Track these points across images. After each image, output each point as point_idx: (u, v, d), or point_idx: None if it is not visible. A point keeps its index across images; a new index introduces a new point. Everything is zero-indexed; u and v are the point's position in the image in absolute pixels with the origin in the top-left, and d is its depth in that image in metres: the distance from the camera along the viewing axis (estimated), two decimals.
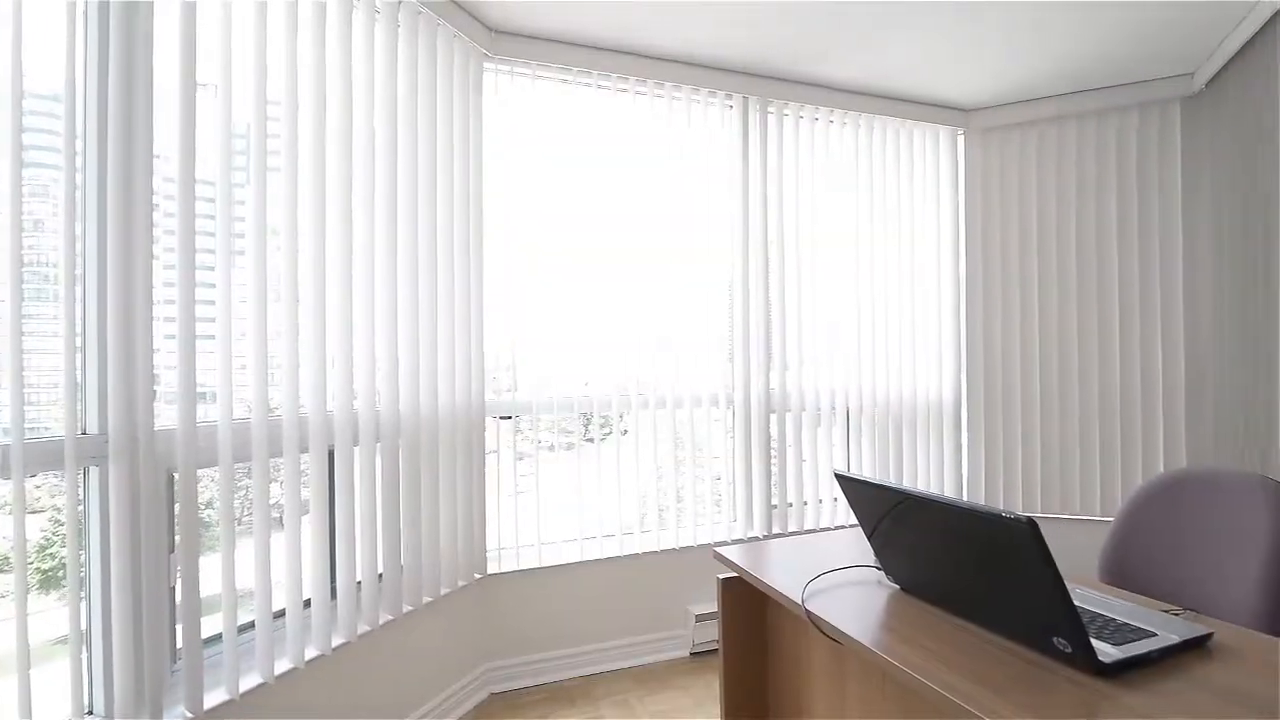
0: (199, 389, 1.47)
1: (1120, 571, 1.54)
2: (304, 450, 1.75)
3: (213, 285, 1.52)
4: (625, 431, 2.74)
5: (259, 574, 1.60)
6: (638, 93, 2.70)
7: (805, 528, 2.98)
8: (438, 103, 2.20)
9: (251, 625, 1.61)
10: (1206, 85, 2.79)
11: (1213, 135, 2.79)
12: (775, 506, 2.94)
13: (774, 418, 2.93)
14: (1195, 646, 1.01)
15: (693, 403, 2.78)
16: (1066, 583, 0.93)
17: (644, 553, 2.66)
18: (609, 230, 2.65)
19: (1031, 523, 0.89)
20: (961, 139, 3.29)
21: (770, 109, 2.92)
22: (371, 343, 1.95)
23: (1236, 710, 0.83)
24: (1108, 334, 3.06)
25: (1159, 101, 2.96)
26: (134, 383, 1.34)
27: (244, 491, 1.69)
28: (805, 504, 3.00)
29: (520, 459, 2.56)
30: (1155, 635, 1.01)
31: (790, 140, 2.97)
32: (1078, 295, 3.10)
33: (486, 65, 2.46)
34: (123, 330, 1.33)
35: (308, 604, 1.76)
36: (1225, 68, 2.65)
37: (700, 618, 2.69)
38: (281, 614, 1.70)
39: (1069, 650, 0.94)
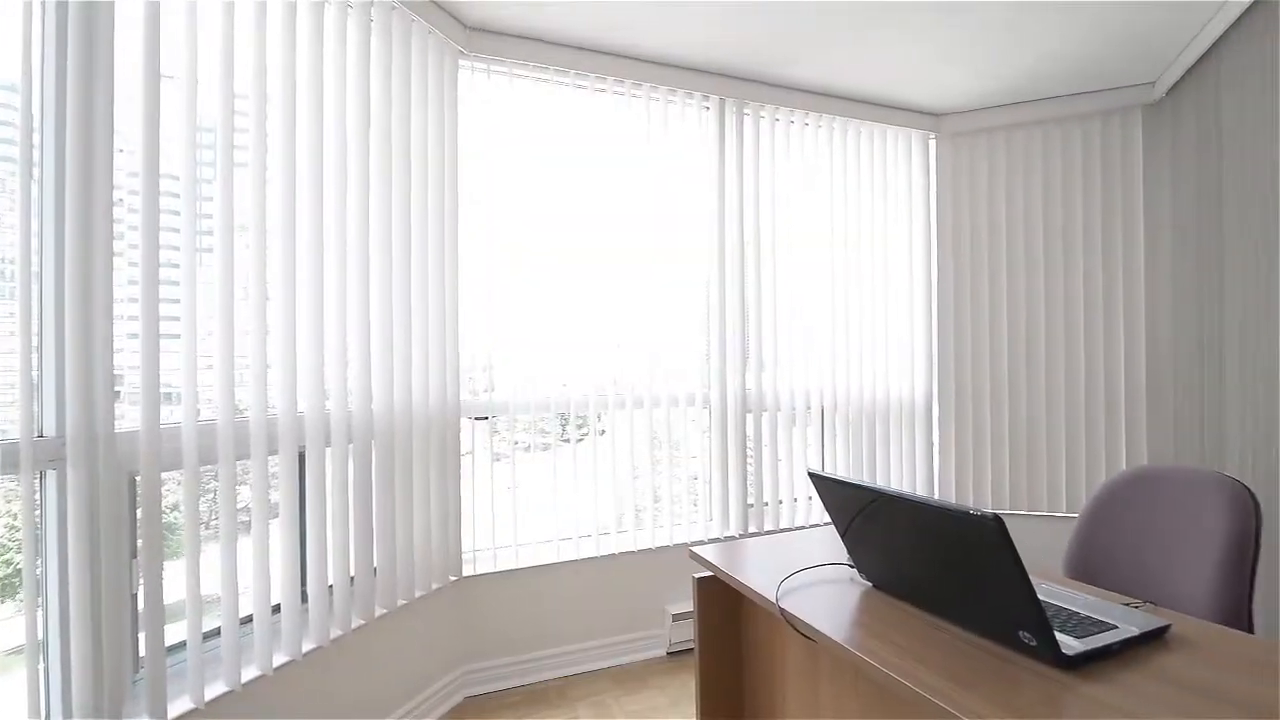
0: (164, 389, 1.43)
1: (1084, 566, 1.58)
2: (273, 452, 1.71)
3: (177, 283, 1.48)
4: (603, 432, 2.74)
5: (225, 579, 1.56)
6: (615, 93, 2.70)
7: (781, 526, 3.01)
8: (411, 99, 2.17)
9: (218, 632, 1.57)
10: (1167, 93, 2.88)
11: (1172, 142, 2.88)
12: (751, 505, 2.96)
13: (750, 417, 2.95)
14: (1154, 638, 1.04)
15: (669, 403, 2.78)
16: (1032, 578, 0.95)
17: (621, 553, 2.66)
18: (587, 230, 2.64)
19: (998, 520, 0.91)
20: (933, 142, 3.35)
21: (746, 110, 2.94)
22: (343, 342, 1.92)
23: (1192, 699, 0.86)
24: (1073, 335, 3.14)
25: (1122, 109, 3.04)
26: (93, 383, 1.30)
27: (211, 495, 1.65)
28: (781, 503, 3.02)
29: (497, 460, 2.54)
30: (1116, 628, 1.04)
31: (766, 142, 2.99)
32: (1045, 297, 3.18)
33: (462, 63, 2.44)
34: (82, 329, 1.29)
35: (277, 609, 1.73)
36: (1183, 78, 2.74)
37: (677, 617, 2.70)
38: (249, 620, 1.66)
39: (1034, 644, 0.96)
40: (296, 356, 1.76)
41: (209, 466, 1.57)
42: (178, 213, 1.49)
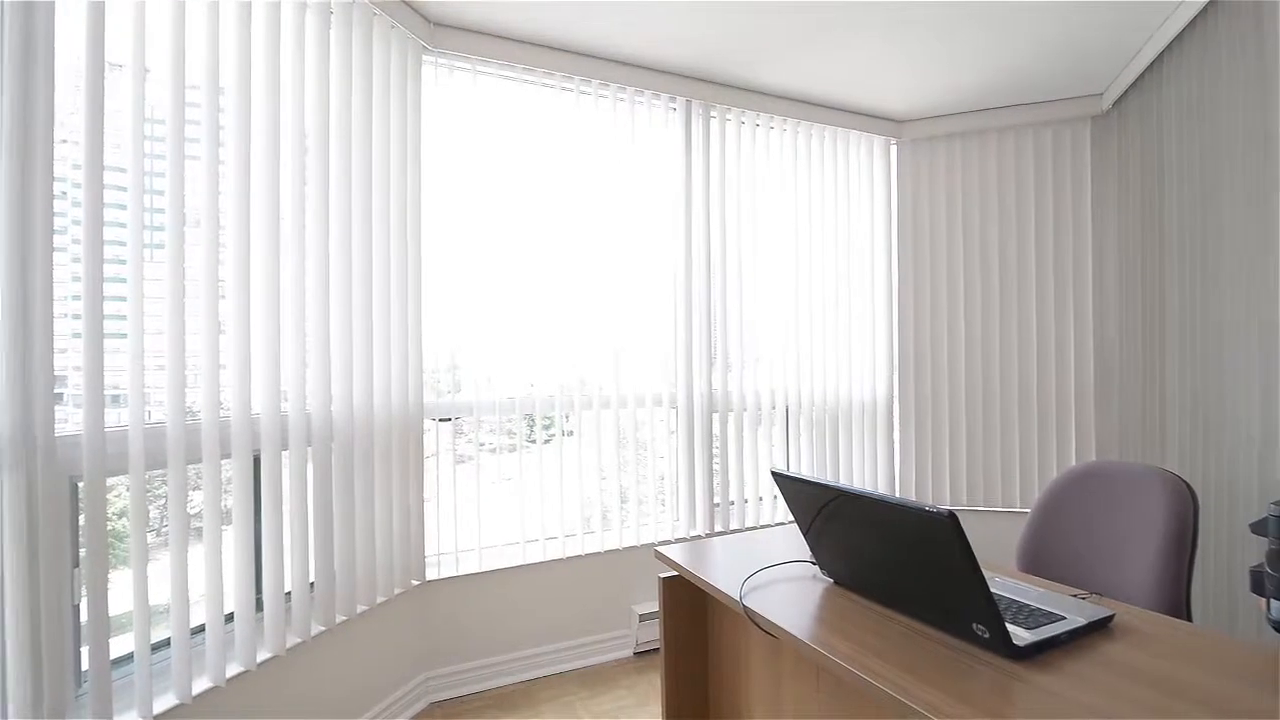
0: (111, 391, 1.38)
1: (1035, 559, 1.64)
2: (226, 456, 1.66)
3: (124, 280, 1.42)
4: (570, 432, 2.73)
5: (175, 587, 1.50)
6: (582, 92, 2.69)
7: (747, 525, 3.04)
8: (373, 94, 2.13)
9: (169, 643, 1.51)
10: (1113, 105, 3.00)
11: (1118, 153, 3.01)
12: (718, 505, 2.98)
13: (716, 417, 2.98)
14: (1099, 628, 1.08)
15: (636, 403, 2.79)
16: (985, 572, 0.98)
17: (587, 554, 2.65)
18: (553, 230, 2.63)
19: (952, 516, 0.93)
20: (894, 148, 3.43)
21: (713, 113, 2.96)
22: (301, 342, 1.87)
23: (1134, 685, 0.89)
24: (1026, 336, 3.25)
25: (1072, 119, 3.16)
26: (32, 385, 1.24)
27: (161, 501, 1.59)
28: (747, 502, 3.05)
29: (461, 462, 2.51)
30: (1064, 619, 1.08)
31: (732, 144, 3.02)
32: (1000, 300, 3.28)
33: (426, 58, 2.40)
34: (19, 328, 1.22)
35: (230, 618, 1.68)
36: (1127, 92, 2.86)
37: (644, 617, 2.70)
38: (201, 630, 1.60)
39: (987, 635, 0.99)
40: (251, 356, 1.71)
41: (158, 471, 1.51)
42: (124, 206, 1.43)
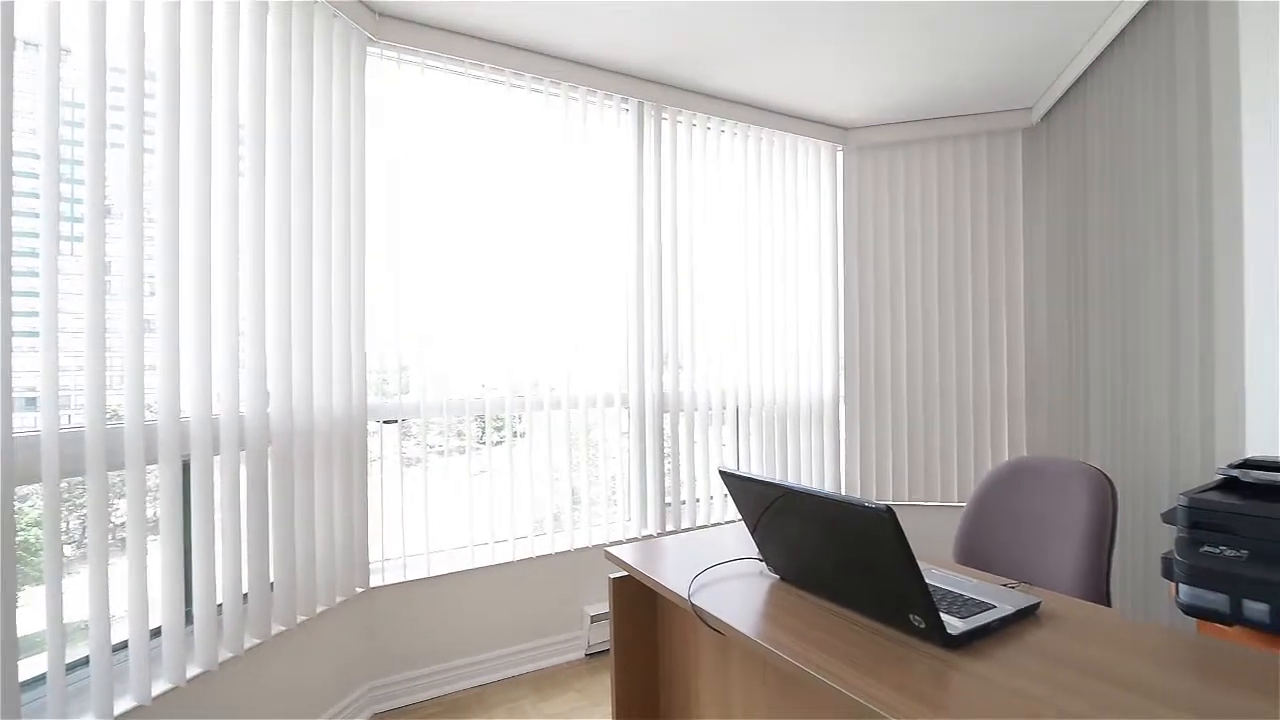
0: (25, 394, 1.29)
1: (970, 551, 1.71)
2: (153, 462, 1.57)
3: (36, 274, 1.33)
4: (521, 434, 2.70)
5: (95, 601, 1.41)
6: (534, 89, 2.66)
7: (698, 523, 3.07)
8: (314, 84, 2.05)
9: (87, 661, 1.42)
10: (1042, 119, 3.16)
11: (1047, 165, 3.18)
12: (669, 504, 3.00)
13: (668, 417, 3.00)
14: (1027, 615, 1.14)
15: (588, 403, 2.78)
16: (922, 564, 1.02)
17: (538, 556, 2.63)
18: (504, 229, 2.59)
19: (890, 511, 0.96)
20: (841, 154, 3.52)
21: (664, 115, 2.98)
22: (235, 342, 1.79)
23: (1057, 668, 0.94)
24: (963, 339, 3.39)
25: (1005, 131, 3.32)
26: None
27: (83, 511, 1.49)
28: (698, 501, 3.08)
29: (408, 465, 2.44)
30: (995, 607, 1.13)
31: (684, 146, 3.05)
32: (938, 303, 3.42)
33: (370, 50, 2.33)
34: None
35: (157, 633, 1.59)
36: (1054, 106, 3.03)
37: (595, 618, 2.70)
38: (125, 646, 1.51)
39: (923, 626, 1.03)
40: (180, 356, 1.63)
41: (76, 479, 1.42)
42: (37, 195, 1.34)
